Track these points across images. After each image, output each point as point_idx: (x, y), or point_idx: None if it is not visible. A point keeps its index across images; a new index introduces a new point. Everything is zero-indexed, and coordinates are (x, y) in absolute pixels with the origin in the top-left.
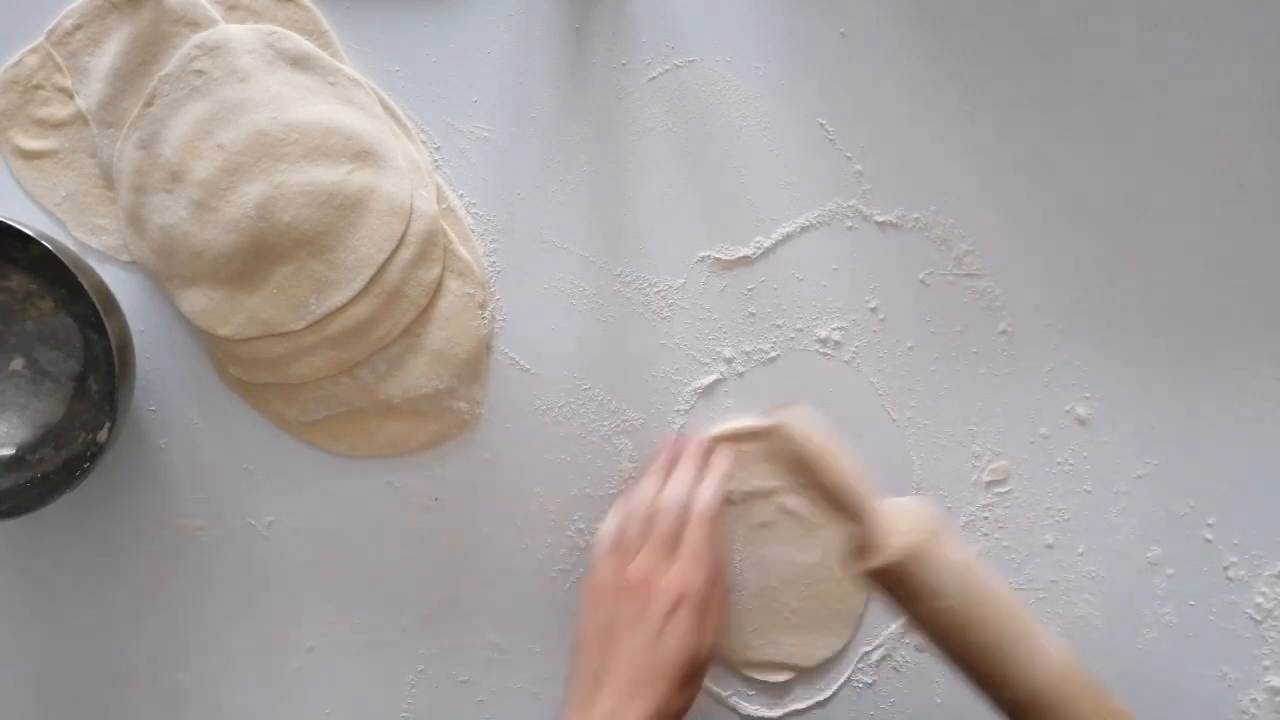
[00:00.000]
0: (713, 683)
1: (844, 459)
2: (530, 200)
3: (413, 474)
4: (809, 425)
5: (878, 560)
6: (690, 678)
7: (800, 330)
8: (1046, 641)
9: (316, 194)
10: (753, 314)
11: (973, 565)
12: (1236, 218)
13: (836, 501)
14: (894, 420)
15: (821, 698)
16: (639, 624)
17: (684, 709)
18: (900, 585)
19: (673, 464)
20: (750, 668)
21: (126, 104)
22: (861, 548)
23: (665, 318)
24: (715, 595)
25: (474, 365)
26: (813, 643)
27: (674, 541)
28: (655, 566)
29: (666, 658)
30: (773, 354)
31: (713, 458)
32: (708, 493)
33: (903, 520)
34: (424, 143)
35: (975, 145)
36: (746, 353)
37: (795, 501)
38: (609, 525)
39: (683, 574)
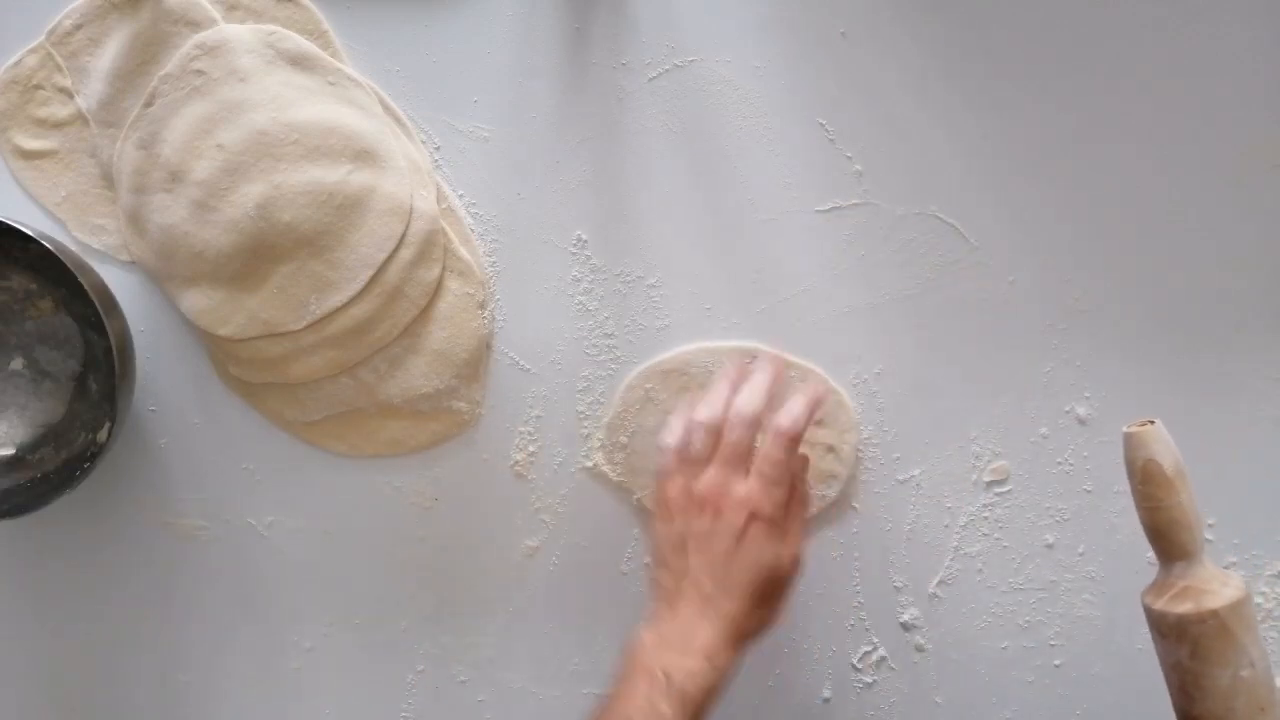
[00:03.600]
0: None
1: (1192, 491)
2: (530, 200)
3: (413, 474)
4: (1170, 443)
5: (1207, 603)
6: (766, 595)
7: (801, 330)
8: None
9: (316, 194)
10: (753, 314)
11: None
12: (1237, 218)
13: (1170, 530)
14: (894, 421)
15: (821, 698)
16: (711, 539)
17: (762, 626)
18: (1213, 640)
19: (741, 379)
20: None
21: (126, 104)
22: (1185, 589)
23: (665, 317)
24: (793, 512)
25: (474, 365)
26: None
27: (744, 455)
28: (726, 480)
29: (741, 574)
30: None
31: (810, 389)
32: (797, 409)
33: (1225, 575)
34: (424, 143)
35: (976, 145)
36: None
37: None
38: (673, 435)
39: (756, 490)
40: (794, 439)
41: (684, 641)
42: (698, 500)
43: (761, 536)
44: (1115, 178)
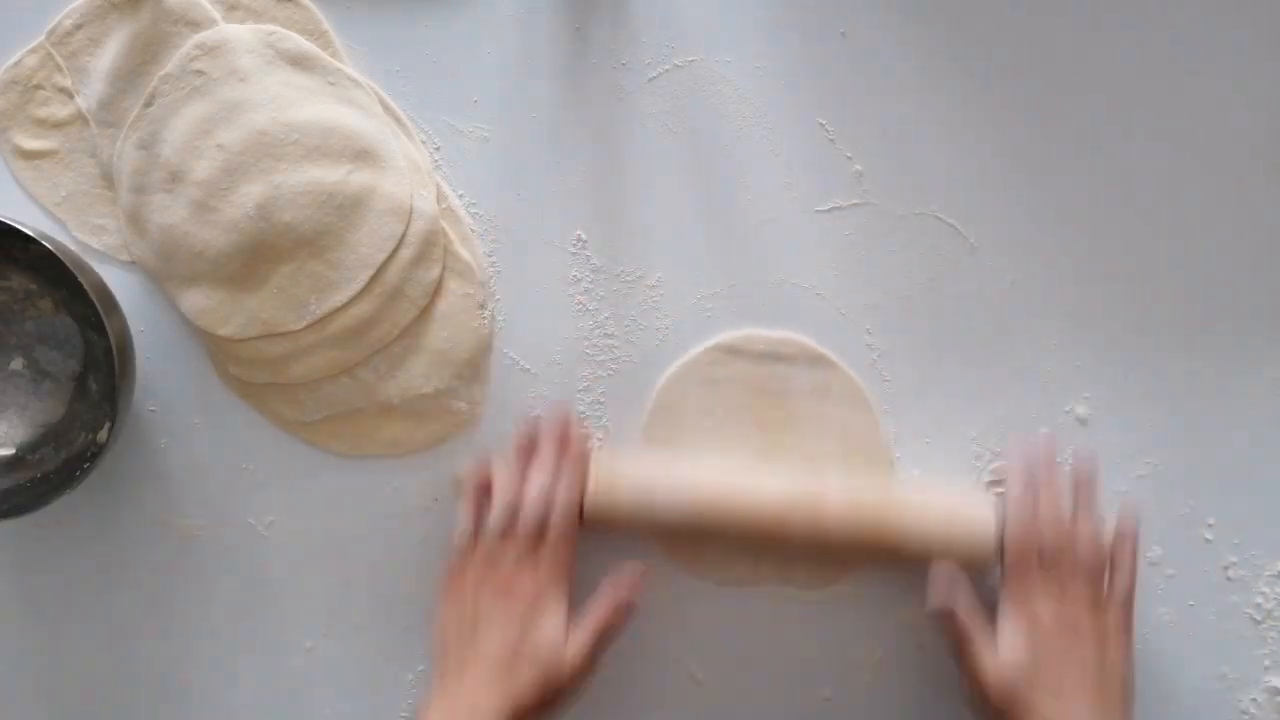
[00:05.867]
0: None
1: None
2: (530, 200)
3: (413, 474)
4: None
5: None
6: (550, 675)
7: (799, 330)
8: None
9: (316, 194)
10: (752, 314)
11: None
12: (1236, 218)
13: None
14: (894, 421)
15: (821, 697)
16: (503, 618)
17: (539, 706)
18: (610, 522)
19: (530, 449)
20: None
21: (126, 104)
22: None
23: (666, 318)
24: (589, 610)
25: (474, 365)
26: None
27: (537, 538)
28: (519, 563)
29: (528, 650)
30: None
31: (569, 443)
32: (563, 494)
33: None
34: (424, 143)
35: (976, 145)
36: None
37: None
38: (466, 520)
39: (544, 573)
40: (564, 522)
41: (471, 708)
42: (493, 581)
43: (549, 618)
44: (1115, 178)
